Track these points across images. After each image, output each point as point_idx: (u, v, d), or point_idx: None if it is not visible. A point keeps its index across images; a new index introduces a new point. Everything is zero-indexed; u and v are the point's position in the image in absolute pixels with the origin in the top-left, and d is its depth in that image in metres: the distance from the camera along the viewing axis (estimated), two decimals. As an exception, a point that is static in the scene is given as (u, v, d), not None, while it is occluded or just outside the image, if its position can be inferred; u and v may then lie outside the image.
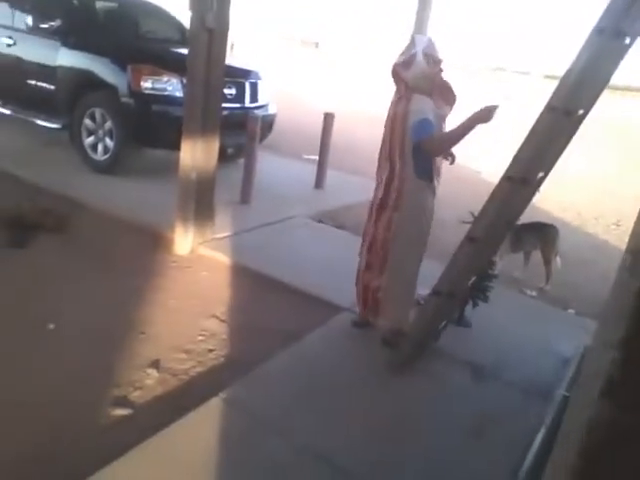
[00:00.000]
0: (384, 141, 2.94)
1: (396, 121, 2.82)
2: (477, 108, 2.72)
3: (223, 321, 3.11)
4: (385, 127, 2.93)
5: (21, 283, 3.20)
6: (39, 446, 2.04)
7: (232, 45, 5.10)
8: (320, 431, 2.30)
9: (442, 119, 2.87)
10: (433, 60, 2.81)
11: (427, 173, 2.86)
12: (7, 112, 5.99)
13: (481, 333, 3.36)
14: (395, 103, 2.87)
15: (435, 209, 2.97)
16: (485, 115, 2.67)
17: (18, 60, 5.73)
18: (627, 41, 2.08)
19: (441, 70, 2.88)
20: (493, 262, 3.52)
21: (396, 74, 2.86)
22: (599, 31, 2.03)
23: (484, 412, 2.63)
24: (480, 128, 2.71)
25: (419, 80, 2.80)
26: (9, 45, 5.76)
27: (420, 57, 2.78)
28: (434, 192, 2.93)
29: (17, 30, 5.74)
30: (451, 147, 2.90)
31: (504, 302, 3.70)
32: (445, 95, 2.90)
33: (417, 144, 2.76)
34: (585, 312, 3.94)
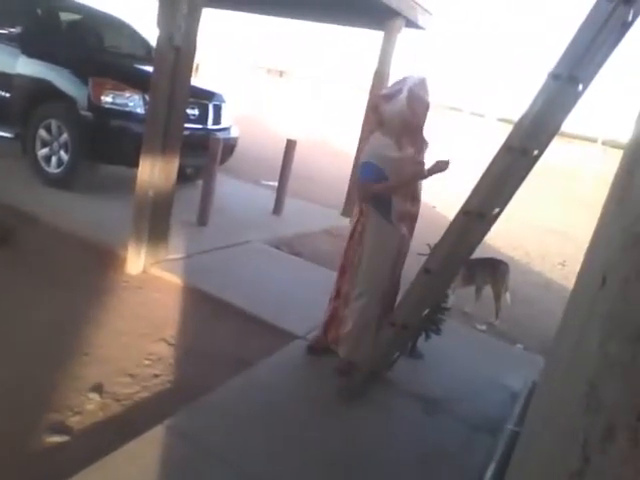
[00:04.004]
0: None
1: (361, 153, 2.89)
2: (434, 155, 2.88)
3: (172, 345, 3.00)
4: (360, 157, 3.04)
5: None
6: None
7: (197, 66, 5.12)
8: (268, 461, 2.22)
9: (400, 163, 2.80)
10: (419, 101, 2.77)
11: (386, 213, 2.84)
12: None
13: (432, 365, 3.37)
14: (368, 136, 2.93)
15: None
16: (442, 167, 2.82)
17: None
18: (580, 88, 2.18)
19: (425, 113, 2.84)
20: (446, 295, 3.56)
21: (374, 106, 2.87)
22: (555, 76, 2.13)
23: (434, 445, 2.61)
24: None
25: (394, 117, 2.77)
26: (-37, 48, 5.57)
27: (404, 94, 2.73)
28: (398, 234, 2.88)
29: (-27, 34, 5.56)
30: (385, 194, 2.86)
31: (455, 335, 3.74)
32: (414, 139, 2.85)
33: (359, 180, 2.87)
34: (532, 347, 4.04)
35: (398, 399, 2.95)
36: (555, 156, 13.71)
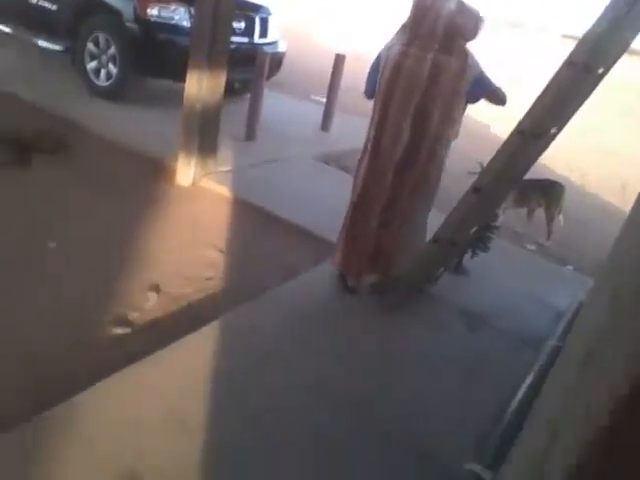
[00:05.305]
0: (408, 94, 2.58)
1: (444, 77, 2.53)
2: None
3: (222, 252, 3.10)
4: (407, 80, 2.56)
5: (22, 202, 3.16)
6: (38, 361, 2.05)
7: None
8: (311, 363, 2.33)
9: None
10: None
11: (457, 129, 2.75)
12: (9, 31, 5.79)
13: (478, 282, 3.37)
14: (432, 58, 2.52)
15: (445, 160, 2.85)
16: None
17: (19, -24, 5.49)
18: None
19: None
20: (496, 215, 3.50)
21: (454, 26, 2.53)
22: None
23: (475, 356, 2.67)
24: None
25: (477, 34, 2.61)
26: (11, -40, 5.52)
27: (469, 4, 2.57)
28: None
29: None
30: None
31: (503, 254, 3.71)
32: None
33: (488, 94, 2.66)
34: (582, 269, 3.96)
35: (441, 312, 2.99)
36: (622, 73, 12.75)
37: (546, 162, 5.49)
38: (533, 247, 4.28)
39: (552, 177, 4.71)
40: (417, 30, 2.55)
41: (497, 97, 2.72)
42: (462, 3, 2.55)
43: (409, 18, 2.60)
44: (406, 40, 2.58)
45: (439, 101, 2.58)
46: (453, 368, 2.54)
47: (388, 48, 2.64)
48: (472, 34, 2.59)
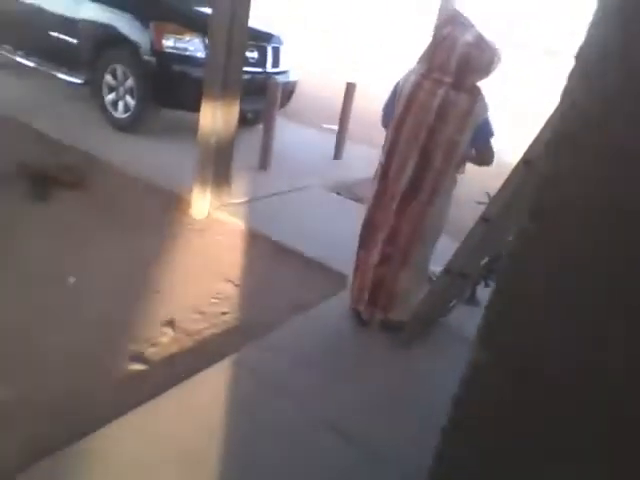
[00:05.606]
0: (416, 127, 2.57)
1: (451, 114, 2.49)
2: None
3: (237, 285, 3.15)
4: (417, 113, 2.55)
5: (43, 236, 3.24)
6: (55, 398, 2.08)
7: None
8: (324, 397, 2.35)
9: None
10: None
11: (463, 168, 2.78)
12: (30, 64, 5.98)
13: (490, 313, 3.37)
14: (443, 94, 2.49)
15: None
16: None
17: (41, 11, 5.68)
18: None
19: None
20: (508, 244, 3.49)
21: (468, 59, 2.45)
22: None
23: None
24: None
25: (492, 70, 2.55)
26: (32, -5, 5.71)
27: (488, 38, 2.49)
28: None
29: (40, -20, 5.67)
30: None
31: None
32: None
33: (482, 147, 2.64)
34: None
35: (452, 344, 2.98)
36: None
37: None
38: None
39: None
40: (432, 61, 2.52)
41: (487, 157, 2.70)
42: (480, 36, 2.48)
43: (426, 48, 2.58)
44: (423, 71, 2.56)
45: (444, 141, 2.55)
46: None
47: (405, 79, 2.63)
48: (486, 70, 2.52)
